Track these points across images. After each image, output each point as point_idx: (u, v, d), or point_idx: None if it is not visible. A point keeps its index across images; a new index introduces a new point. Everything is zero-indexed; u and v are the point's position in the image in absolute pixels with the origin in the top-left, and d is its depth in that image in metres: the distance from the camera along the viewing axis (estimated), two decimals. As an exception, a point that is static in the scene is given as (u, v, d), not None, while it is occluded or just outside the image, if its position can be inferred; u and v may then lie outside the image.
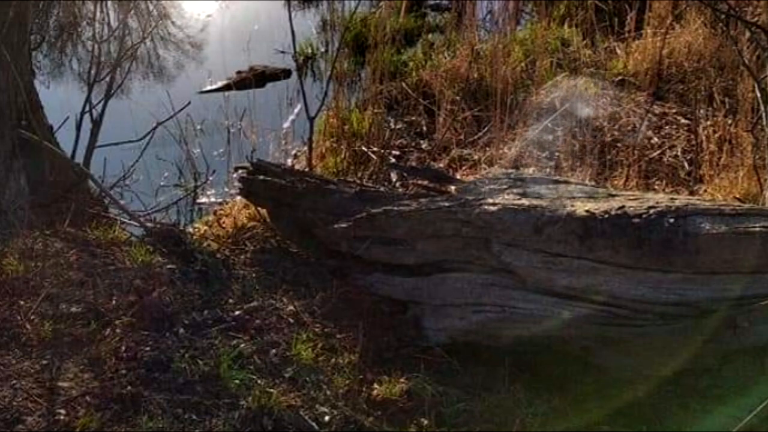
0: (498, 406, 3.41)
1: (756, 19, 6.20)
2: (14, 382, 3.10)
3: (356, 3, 6.49)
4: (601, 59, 6.75)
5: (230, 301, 3.78)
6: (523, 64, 6.59)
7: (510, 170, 4.77)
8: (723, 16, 5.91)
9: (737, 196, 4.83)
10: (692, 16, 6.84)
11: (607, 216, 3.56)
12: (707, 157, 5.41)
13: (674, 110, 6.16)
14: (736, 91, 5.85)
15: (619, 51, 6.80)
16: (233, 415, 3.09)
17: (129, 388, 3.12)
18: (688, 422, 3.44)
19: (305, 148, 5.58)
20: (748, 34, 5.82)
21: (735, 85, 5.99)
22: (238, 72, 7.50)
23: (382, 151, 5.64)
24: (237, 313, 3.68)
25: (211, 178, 5.51)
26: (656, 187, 5.29)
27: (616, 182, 5.25)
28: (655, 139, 5.84)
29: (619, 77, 6.47)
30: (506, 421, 3.32)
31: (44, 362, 3.22)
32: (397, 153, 5.88)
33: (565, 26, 7.19)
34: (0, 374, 3.13)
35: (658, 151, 5.69)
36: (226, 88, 7.14)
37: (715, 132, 5.54)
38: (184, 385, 3.20)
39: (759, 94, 4.92)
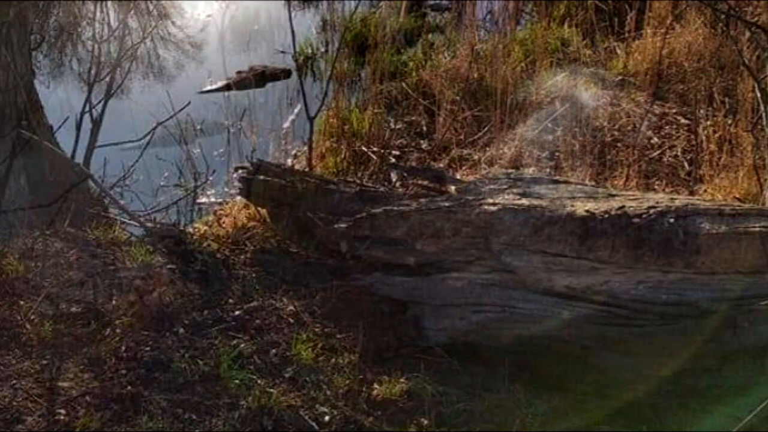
0: (498, 406, 3.41)
1: (756, 19, 6.19)
2: (14, 382, 3.10)
3: (356, 3, 6.49)
4: (601, 59, 6.74)
5: (230, 301, 3.78)
6: (523, 64, 6.58)
7: (510, 170, 4.78)
8: (723, 16, 5.91)
9: (737, 196, 4.83)
10: (692, 16, 6.82)
11: (607, 216, 3.56)
12: (707, 157, 5.40)
13: (674, 110, 6.15)
14: (736, 91, 5.84)
15: (619, 51, 6.78)
16: (233, 415, 3.10)
17: (129, 388, 3.13)
18: (688, 422, 3.44)
19: (305, 148, 5.58)
20: (748, 34, 5.81)
21: (735, 85, 5.98)
22: (238, 72, 7.49)
23: (382, 151, 5.63)
24: (237, 313, 3.69)
25: (211, 178, 5.49)
26: (656, 187, 5.28)
27: (616, 182, 5.24)
28: (655, 139, 5.84)
29: (619, 77, 6.46)
30: (506, 421, 3.32)
31: (44, 362, 3.22)
32: (397, 153, 5.87)
33: (565, 26, 7.18)
34: (0, 374, 3.14)
35: (658, 151, 5.69)
36: (226, 88, 7.13)
37: (715, 132, 5.53)
38: (184, 385, 3.20)
39: (759, 94, 4.91)
